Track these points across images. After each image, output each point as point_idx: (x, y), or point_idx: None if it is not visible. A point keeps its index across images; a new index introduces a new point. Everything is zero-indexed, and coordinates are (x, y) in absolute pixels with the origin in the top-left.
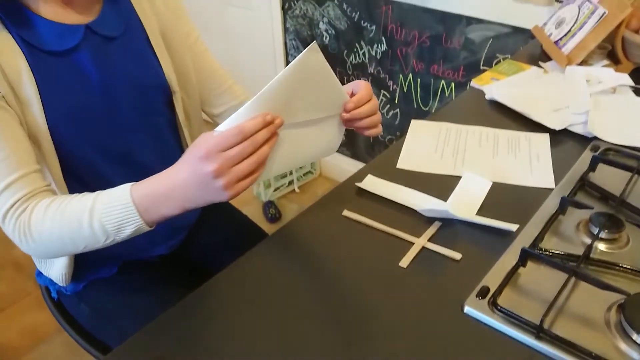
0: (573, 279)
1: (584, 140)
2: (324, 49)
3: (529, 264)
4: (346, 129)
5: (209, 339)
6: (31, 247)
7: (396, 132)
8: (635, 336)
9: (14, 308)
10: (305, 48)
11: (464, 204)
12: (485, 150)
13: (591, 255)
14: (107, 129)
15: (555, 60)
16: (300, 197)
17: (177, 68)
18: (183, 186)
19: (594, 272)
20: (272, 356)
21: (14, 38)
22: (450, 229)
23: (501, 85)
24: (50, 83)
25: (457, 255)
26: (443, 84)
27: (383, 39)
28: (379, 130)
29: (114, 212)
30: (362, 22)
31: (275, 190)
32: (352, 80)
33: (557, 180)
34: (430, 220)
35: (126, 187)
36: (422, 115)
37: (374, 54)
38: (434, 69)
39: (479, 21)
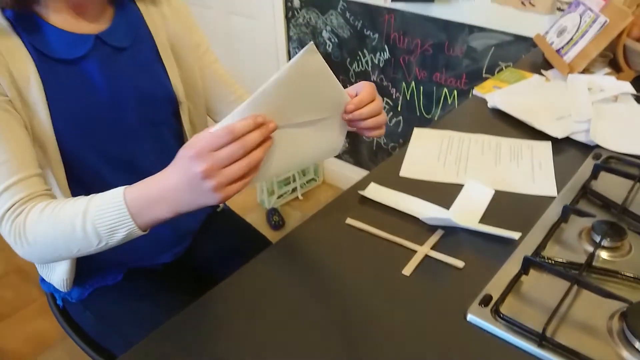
0: (575, 287)
1: (586, 149)
2: (327, 57)
3: (532, 272)
4: (350, 133)
5: (213, 346)
6: (26, 250)
7: (399, 139)
8: (637, 344)
9: (19, 315)
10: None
11: (467, 212)
12: (487, 159)
13: (593, 264)
14: (113, 137)
15: (557, 68)
16: (304, 204)
17: (184, 79)
18: (174, 188)
19: (596, 280)
20: None
21: (25, 45)
22: (452, 237)
23: (503, 93)
24: (58, 90)
25: (460, 264)
26: (445, 92)
27: (386, 47)
28: (382, 131)
29: (107, 214)
30: (364, 30)
31: (278, 197)
32: None
33: (560, 188)
34: (432, 229)
35: (119, 190)
36: (425, 122)
37: (376, 62)
38: (436, 77)
39: (481, 29)
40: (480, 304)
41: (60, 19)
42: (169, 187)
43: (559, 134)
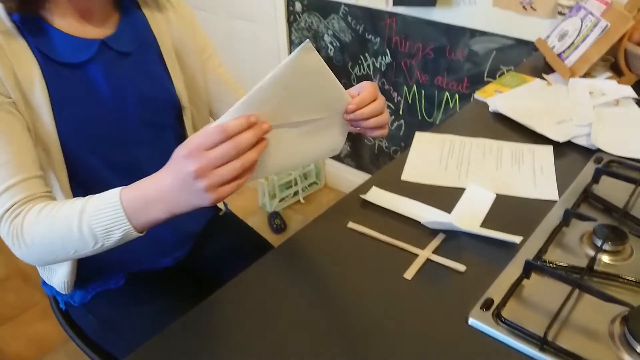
0: (577, 291)
1: (588, 153)
2: (328, 60)
3: (533, 276)
4: (352, 137)
5: (215, 350)
6: (24, 251)
7: (401, 143)
8: (639, 348)
9: (21, 318)
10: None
11: (468, 216)
12: (489, 163)
13: (595, 267)
14: (116, 141)
15: (558, 72)
16: (305, 208)
17: (188, 84)
18: (169, 189)
19: (598, 284)
20: None
21: (30, 48)
22: (454, 241)
23: (505, 97)
24: (63, 93)
25: (462, 267)
26: (447, 96)
27: (387, 51)
28: (385, 131)
29: (103, 215)
30: (366, 34)
31: (280, 200)
32: None
33: (561, 192)
34: (434, 232)
35: (116, 190)
36: (427, 126)
37: (378, 65)
38: (438, 81)
39: (483, 33)
40: (481, 307)
41: (65, 23)
42: (165, 188)
43: (560, 137)
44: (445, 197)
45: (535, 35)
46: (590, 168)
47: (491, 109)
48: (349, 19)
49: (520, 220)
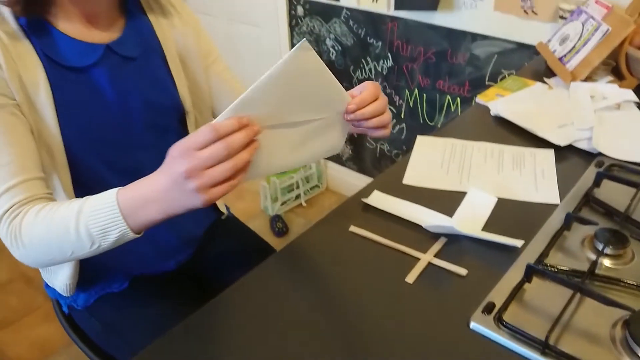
0: (578, 295)
1: (589, 156)
2: (330, 64)
3: (535, 279)
4: (354, 140)
5: (217, 354)
6: (22, 252)
7: (402, 146)
8: None
9: (24, 321)
10: None
11: (470, 219)
12: (490, 166)
13: (596, 271)
14: (119, 144)
15: (559, 76)
16: (307, 211)
17: (192, 88)
18: (163, 189)
19: (599, 288)
20: None
21: (36, 51)
22: (456, 244)
23: (506, 101)
24: (67, 97)
25: (463, 271)
26: (449, 99)
27: (389, 54)
28: (387, 131)
29: (100, 215)
30: (368, 38)
31: (282, 204)
32: None
33: (562, 196)
34: (436, 236)
35: (113, 191)
36: (428, 129)
37: (380, 69)
38: (439, 85)
39: (484, 37)
40: (483, 311)
41: (71, 27)
42: (159, 188)
43: (561, 141)
44: (446, 201)
45: (537, 39)
46: (591, 172)
47: (492, 112)
48: (351, 23)
49: (521, 224)
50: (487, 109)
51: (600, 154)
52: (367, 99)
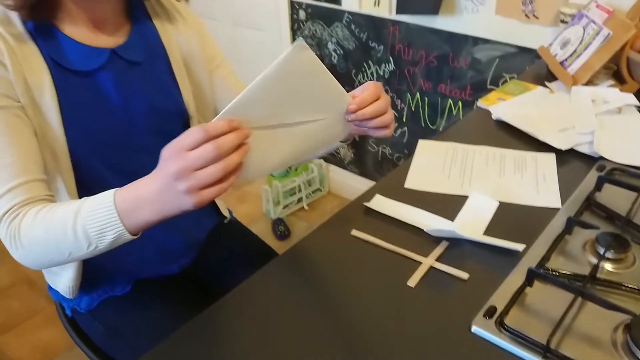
0: (579, 299)
1: (590, 160)
2: (332, 68)
3: (536, 283)
4: (355, 144)
5: (220, 357)
6: (20, 253)
7: (404, 150)
8: None
9: (26, 325)
10: None
11: (471, 223)
12: (492, 170)
13: (597, 275)
14: (123, 148)
15: (561, 80)
16: (309, 215)
17: (196, 93)
18: (156, 190)
19: (601, 292)
20: None
21: (42, 54)
22: (457, 248)
23: (507, 105)
24: (72, 100)
25: (465, 275)
26: (450, 103)
27: (391, 58)
28: (389, 131)
29: (97, 215)
30: (370, 42)
31: (284, 207)
32: None
33: (564, 200)
34: (437, 240)
35: (110, 192)
36: (430, 133)
37: (381, 73)
38: (441, 88)
39: (485, 41)
40: (484, 315)
41: (77, 32)
42: (153, 189)
43: (563, 145)
44: (448, 205)
45: (538, 43)
46: (592, 176)
47: (494, 116)
48: (353, 27)
49: (523, 228)
50: (488, 113)
51: (601, 158)
52: (367, 99)
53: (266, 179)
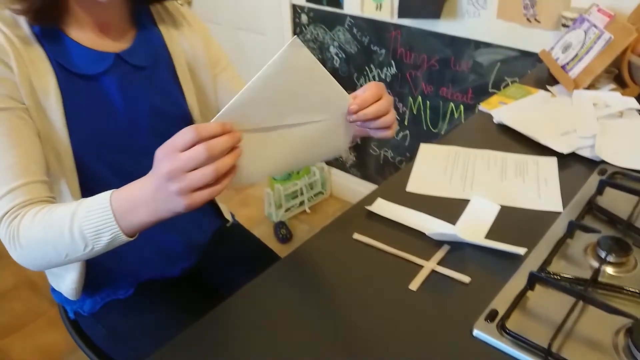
0: (581, 303)
1: (592, 164)
2: (334, 72)
3: (537, 287)
4: (357, 147)
5: None
6: (19, 253)
7: (406, 153)
8: None
9: (29, 328)
10: None
11: (473, 227)
12: (493, 174)
13: (599, 279)
14: (127, 151)
15: (562, 84)
16: (311, 218)
17: (200, 97)
18: (150, 191)
19: (602, 295)
20: None
21: (48, 57)
22: (459, 252)
23: (509, 109)
24: (77, 103)
25: (466, 279)
26: (452, 106)
27: (392, 62)
28: (391, 132)
29: (93, 217)
30: (372, 46)
31: (286, 210)
32: None
33: (565, 203)
34: (439, 244)
35: (107, 193)
36: (432, 137)
37: (383, 76)
38: (442, 92)
39: (487, 45)
40: (486, 319)
41: (83, 36)
42: (147, 190)
43: (564, 149)
44: (449, 209)
45: (539, 47)
46: (594, 179)
47: (495, 120)
48: (355, 30)
49: (524, 232)
50: (490, 117)
51: (603, 161)
52: (369, 99)
53: (268, 182)
